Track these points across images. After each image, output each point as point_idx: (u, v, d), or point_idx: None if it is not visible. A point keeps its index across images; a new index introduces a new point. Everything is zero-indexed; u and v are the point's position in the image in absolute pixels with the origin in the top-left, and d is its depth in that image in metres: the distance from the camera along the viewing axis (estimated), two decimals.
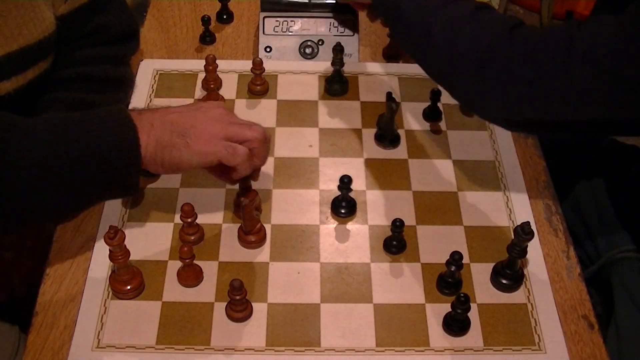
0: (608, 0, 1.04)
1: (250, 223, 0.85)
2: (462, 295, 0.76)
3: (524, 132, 1.00)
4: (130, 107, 1.03)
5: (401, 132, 1.02)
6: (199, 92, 1.06)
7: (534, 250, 0.88)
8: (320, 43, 1.13)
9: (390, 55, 1.14)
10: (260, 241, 0.87)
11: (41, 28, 0.84)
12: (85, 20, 0.93)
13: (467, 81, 0.83)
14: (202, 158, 0.79)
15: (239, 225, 0.87)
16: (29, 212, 0.75)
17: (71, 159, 0.72)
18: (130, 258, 0.80)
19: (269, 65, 1.07)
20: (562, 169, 1.07)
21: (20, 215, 0.75)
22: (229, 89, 1.06)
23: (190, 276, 0.82)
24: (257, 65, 1.04)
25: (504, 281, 0.84)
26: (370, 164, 0.98)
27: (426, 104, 1.04)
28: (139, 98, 1.05)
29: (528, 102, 0.81)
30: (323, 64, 1.09)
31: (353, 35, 1.13)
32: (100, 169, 0.74)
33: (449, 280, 0.83)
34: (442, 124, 1.04)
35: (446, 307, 0.81)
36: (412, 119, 1.04)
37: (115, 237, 0.76)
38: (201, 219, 0.86)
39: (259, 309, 0.81)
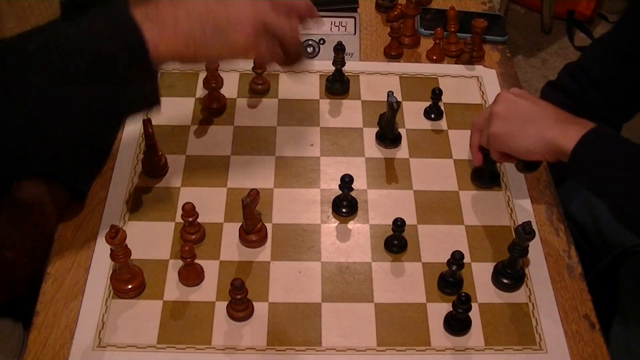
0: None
1: (252, 222, 0.85)
2: (463, 294, 0.76)
3: None
4: None
5: (402, 131, 1.02)
6: (200, 91, 1.06)
7: (535, 249, 0.88)
8: (321, 42, 1.13)
9: (391, 54, 1.14)
10: (261, 240, 0.87)
11: (50, 10, 0.84)
12: (84, 10, 0.93)
13: None
14: (241, 54, 0.73)
15: (240, 224, 0.87)
16: (50, 133, 0.69)
17: (75, 72, 0.67)
18: (131, 257, 0.80)
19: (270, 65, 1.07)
20: None
21: (45, 136, 0.70)
22: (230, 88, 1.06)
23: (192, 275, 0.82)
24: (259, 65, 1.03)
25: (505, 281, 0.84)
26: (372, 163, 0.98)
27: (427, 103, 1.04)
28: None
29: None
30: (324, 63, 1.09)
31: (354, 34, 1.13)
32: (108, 79, 0.68)
33: (450, 280, 0.83)
34: (443, 123, 1.04)
35: (447, 307, 0.81)
36: (413, 118, 1.04)
37: (116, 237, 0.76)
38: (202, 218, 0.86)
39: (260, 308, 0.81)
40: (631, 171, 0.79)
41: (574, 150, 0.79)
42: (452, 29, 1.13)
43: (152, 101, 0.73)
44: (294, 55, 0.78)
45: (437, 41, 1.12)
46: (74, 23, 0.71)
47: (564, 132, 0.81)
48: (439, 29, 1.12)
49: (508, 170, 0.97)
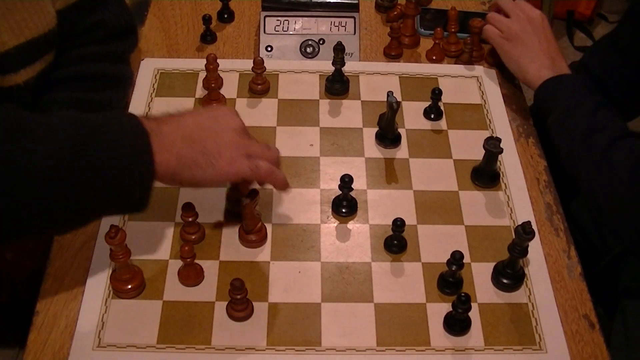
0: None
1: (251, 222, 0.85)
2: (462, 294, 0.76)
3: None
4: (130, 105, 1.03)
5: (402, 131, 1.02)
6: (199, 91, 1.06)
7: (535, 249, 0.88)
8: (321, 42, 1.12)
9: (390, 54, 1.14)
10: (261, 240, 0.87)
11: (45, 21, 0.85)
12: (81, 16, 0.93)
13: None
14: (226, 177, 0.79)
15: (239, 224, 0.87)
16: (33, 216, 0.70)
17: (87, 160, 0.69)
18: (131, 257, 0.80)
19: (270, 65, 1.07)
20: None
21: (24, 219, 0.70)
22: (230, 88, 1.06)
23: (191, 275, 0.82)
24: (258, 65, 1.03)
25: (505, 281, 0.84)
26: (371, 163, 0.98)
27: (427, 103, 1.04)
28: (140, 97, 1.04)
29: None
30: (324, 63, 1.09)
31: (354, 34, 1.13)
32: (111, 181, 0.70)
33: (449, 280, 0.83)
34: (443, 123, 1.04)
35: (447, 307, 0.81)
36: (413, 118, 1.04)
37: (116, 237, 0.76)
38: (202, 218, 0.86)
39: (260, 309, 0.81)
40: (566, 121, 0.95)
41: (535, 94, 1.01)
42: (453, 30, 1.13)
43: (139, 207, 0.75)
44: (271, 183, 0.83)
45: (437, 41, 1.13)
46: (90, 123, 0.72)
47: (538, 77, 1.01)
48: (438, 29, 1.12)
49: (508, 170, 0.97)
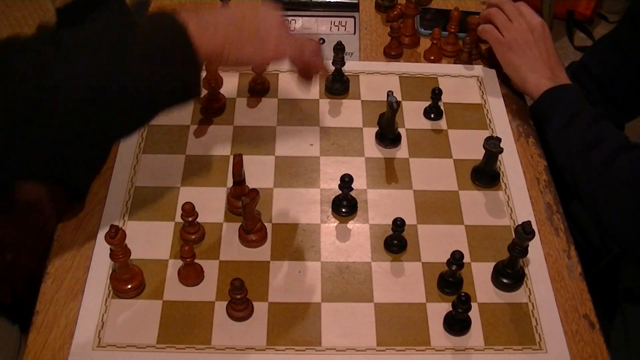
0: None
1: (251, 222, 0.85)
2: (462, 294, 0.76)
3: None
4: None
5: (402, 131, 1.02)
6: None
7: (535, 249, 0.88)
8: (321, 42, 1.12)
9: (391, 54, 1.14)
10: (261, 240, 0.87)
11: (45, 19, 0.85)
12: (81, 15, 0.93)
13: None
14: (274, 56, 0.81)
15: (239, 224, 0.87)
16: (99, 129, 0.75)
17: (131, 61, 0.73)
18: (131, 257, 0.80)
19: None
20: None
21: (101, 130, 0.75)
22: (230, 88, 1.06)
23: (191, 275, 0.82)
24: (260, 70, 1.03)
25: (505, 280, 0.84)
26: (371, 163, 0.98)
27: (427, 103, 1.04)
28: None
29: None
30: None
31: (354, 34, 1.12)
32: (160, 66, 0.75)
33: (449, 280, 0.83)
34: (443, 123, 1.04)
35: (447, 307, 0.81)
36: (413, 118, 1.04)
37: (116, 236, 0.76)
38: (202, 218, 0.86)
39: (260, 308, 0.81)
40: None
41: (534, 105, 1.02)
42: (453, 30, 1.13)
43: (193, 92, 0.79)
44: (314, 64, 0.86)
45: (435, 41, 1.13)
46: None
47: (538, 86, 1.00)
48: (436, 30, 1.12)
49: (508, 170, 0.97)
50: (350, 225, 0.90)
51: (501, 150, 0.91)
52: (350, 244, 0.88)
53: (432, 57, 1.13)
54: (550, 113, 0.98)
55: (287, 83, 1.08)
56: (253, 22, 0.80)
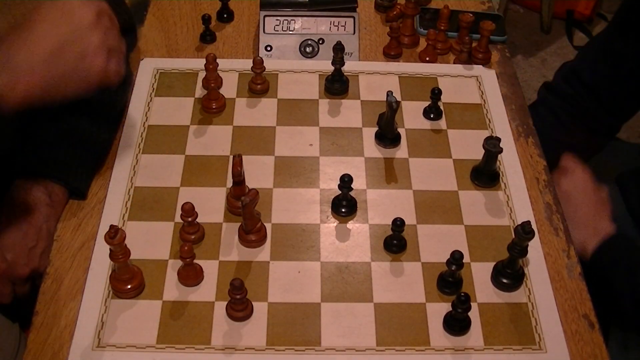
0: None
1: (251, 222, 0.85)
2: (462, 294, 0.76)
3: None
4: (130, 105, 1.03)
5: (402, 131, 1.02)
6: (199, 91, 1.06)
7: (535, 249, 0.88)
8: (320, 42, 1.12)
9: (390, 54, 1.14)
10: (261, 240, 0.87)
11: None
12: None
13: None
14: (95, 82, 0.75)
15: (239, 224, 0.87)
16: None
17: None
18: (131, 257, 0.80)
19: (270, 64, 1.07)
20: None
21: None
22: (229, 88, 1.06)
23: (191, 275, 0.82)
24: (258, 64, 1.03)
25: (505, 280, 0.84)
26: (371, 163, 0.98)
27: (427, 103, 1.04)
28: (139, 97, 1.04)
29: None
30: (323, 63, 1.09)
31: (353, 34, 1.12)
32: None
33: (449, 280, 0.83)
34: (443, 123, 1.04)
35: (447, 307, 0.81)
36: (412, 118, 1.04)
37: (115, 237, 0.76)
38: (201, 218, 0.86)
39: (260, 308, 0.81)
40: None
41: (590, 262, 0.96)
42: (442, 28, 1.13)
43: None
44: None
45: (430, 42, 1.13)
46: None
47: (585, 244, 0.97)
48: (431, 30, 1.12)
49: (507, 170, 0.97)
50: (350, 225, 0.90)
51: (501, 150, 0.92)
52: (350, 244, 0.88)
53: (427, 58, 1.13)
54: (609, 271, 0.96)
55: (287, 83, 1.08)
56: (74, 49, 0.72)
